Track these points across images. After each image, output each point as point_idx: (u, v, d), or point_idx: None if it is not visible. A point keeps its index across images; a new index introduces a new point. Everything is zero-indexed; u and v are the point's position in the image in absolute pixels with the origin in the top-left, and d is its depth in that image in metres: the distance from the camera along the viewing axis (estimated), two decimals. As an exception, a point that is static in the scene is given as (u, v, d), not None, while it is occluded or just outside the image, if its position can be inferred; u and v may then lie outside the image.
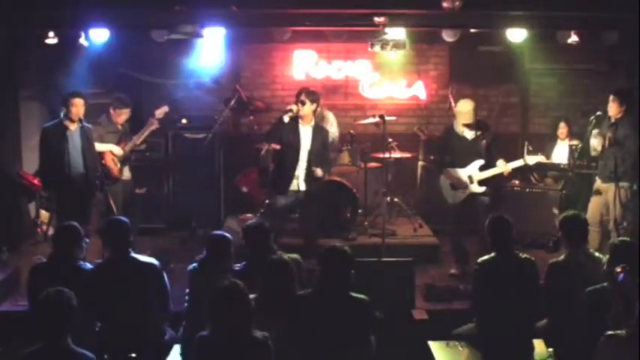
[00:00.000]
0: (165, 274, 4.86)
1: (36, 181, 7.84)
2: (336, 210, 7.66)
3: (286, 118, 6.66)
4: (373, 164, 8.08)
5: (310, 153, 6.73)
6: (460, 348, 4.70)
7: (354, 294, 4.20)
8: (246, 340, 3.70)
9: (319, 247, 6.22)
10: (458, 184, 6.86)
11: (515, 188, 8.03)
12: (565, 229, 4.86)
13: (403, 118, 8.89)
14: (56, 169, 6.71)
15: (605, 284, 4.18)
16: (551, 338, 4.67)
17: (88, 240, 5.11)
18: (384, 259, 6.40)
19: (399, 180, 8.38)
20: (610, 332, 3.49)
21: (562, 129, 8.17)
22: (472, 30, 7.56)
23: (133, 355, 4.57)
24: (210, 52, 7.82)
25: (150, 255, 5.13)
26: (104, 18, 6.86)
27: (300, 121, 6.72)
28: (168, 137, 8.38)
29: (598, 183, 6.95)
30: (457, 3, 6.52)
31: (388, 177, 7.97)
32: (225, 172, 8.56)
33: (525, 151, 7.18)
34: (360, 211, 7.83)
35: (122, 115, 7.34)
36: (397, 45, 7.25)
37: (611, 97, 6.75)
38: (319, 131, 6.83)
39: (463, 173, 6.85)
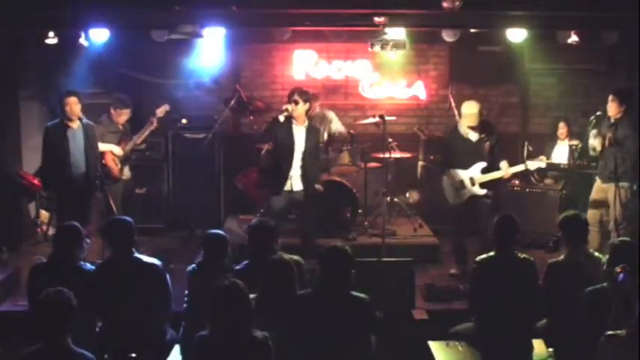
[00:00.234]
0: (167, 275, 4.86)
1: (36, 181, 7.85)
2: (336, 210, 7.67)
3: (282, 118, 6.65)
4: (373, 164, 8.08)
5: (304, 153, 6.70)
6: (460, 348, 4.71)
7: (354, 293, 4.20)
8: (247, 339, 3.69)
9: (318, 247, 6.24)
10: (459, 185, 6.86)
11: (515, 188, 8.02)
12: (565, 229, 4.86)
13: (403, 118, 8.89)
14: (57, 169, 6.73)
15: (605, 284, 4.18)
16: (551, 338, 4.68)
17: (88, 240, 5.11)
18: (384, 259, 6.40)
19: (399, 180, 8.38)
20: (610, 332, 3.49)
21: (562, 129, 8.17)
22: (472, 30, 7.56)
23: (134, 355, 4.56)
24: (210, 52, 7.81)
25: (150, 255, 5.12)
26: (104, 18, 6.85)
27: (293, 121, 6.70)
28: (168, 137, 8.38)
29: (598, 183, 6.95)
30: (457, 3, 6.51)
31: (388, 177, 7.97)
32: (225, 172, 8.56)
33: (525, 152, 7.19)
34: (360, 211, 7.84)
35: (123, 116, 7.35)
36: (397, 45, 7.25)
37: (610, 97, 6.75)
38: (312, 132, 6.80)
39: (465, 175, 6.84)
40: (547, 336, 4.71)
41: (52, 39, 7.16)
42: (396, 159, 7.97)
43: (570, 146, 7.82)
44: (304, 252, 5.60)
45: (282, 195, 6.74)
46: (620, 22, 7.00)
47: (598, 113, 6.95)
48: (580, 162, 7.51)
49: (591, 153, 7.05)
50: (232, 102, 8.28)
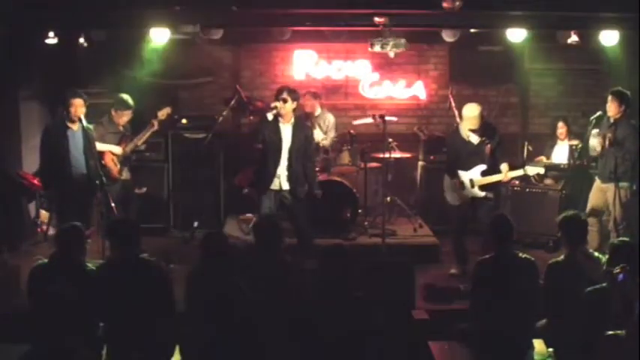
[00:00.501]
0: (170, 276, 4.86)
1: (36, 181, 7.83)
2: (336, 210, 7.67)
3: (270, 116, 6.62)
4: (373, 164, 8.09)
5: (291, 151, 6.67)
6: (460, 348, 4.71)
7: (354, 293, 4.20)
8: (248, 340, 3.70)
9: (315, 246, 6.23)
10: (459, 186, 6.86)
11: (516, 188, 8.02)
12: (565, 229, 4.86)
13: (403, 118, 8.89)
14: (57, 169, 6.73)
15: (604, 284, 4.18)
16: (551, 338, 4.68)
17: (89, 240, 5.11)
18: (384, 259, 6.40)
19: (399, 180, 8.38)
20: (610, 332, 3.49)
21: (561, 129, 8.16)
22: (472, 30, 7.57)
23: (134, 355, 4.56)
24: (209, 52, 7.81)
25: (150, 255, 5.13)
26: (104, 18, 6.86)
27: (280, 119, 6.67)
28: (168, 137, 8.37)
29: (598, 183, 6.95)
30: (457, 3, 6.52)
31: (388, 177, 7.97)
32: (225, 172, 8.55)
33: (525, 152, 7.18)
34: (360, 211, 7.84)
35: (124, 117, 7.34)
36: (397, 45, 7.24)
37: (610, 97, 6.76)
38: (300, 128, 6.74)
39: (465, 176, 6.84)
40: (547, 336, 4.71)
41: (52, 39, 7.16)
42: (396, 159, 7.98)
43: (570, 146, 7.82)
44: (302, 252, 5.60)
45: (270, 194, 6.70)
46: (620, 22, 7.00)
47: (598, 113, 6.95)
48: (580, 162, 7.51)
49: (591, 153, 7.05)
50: (232, 102, 8.27)
